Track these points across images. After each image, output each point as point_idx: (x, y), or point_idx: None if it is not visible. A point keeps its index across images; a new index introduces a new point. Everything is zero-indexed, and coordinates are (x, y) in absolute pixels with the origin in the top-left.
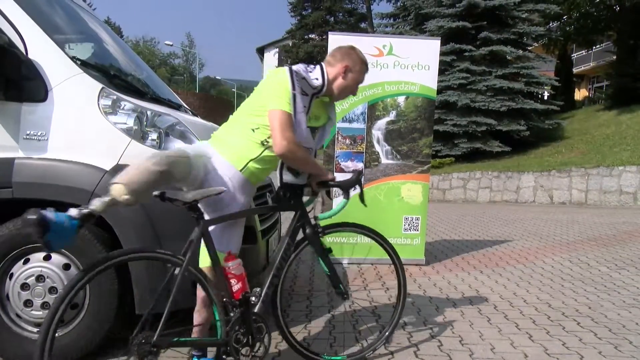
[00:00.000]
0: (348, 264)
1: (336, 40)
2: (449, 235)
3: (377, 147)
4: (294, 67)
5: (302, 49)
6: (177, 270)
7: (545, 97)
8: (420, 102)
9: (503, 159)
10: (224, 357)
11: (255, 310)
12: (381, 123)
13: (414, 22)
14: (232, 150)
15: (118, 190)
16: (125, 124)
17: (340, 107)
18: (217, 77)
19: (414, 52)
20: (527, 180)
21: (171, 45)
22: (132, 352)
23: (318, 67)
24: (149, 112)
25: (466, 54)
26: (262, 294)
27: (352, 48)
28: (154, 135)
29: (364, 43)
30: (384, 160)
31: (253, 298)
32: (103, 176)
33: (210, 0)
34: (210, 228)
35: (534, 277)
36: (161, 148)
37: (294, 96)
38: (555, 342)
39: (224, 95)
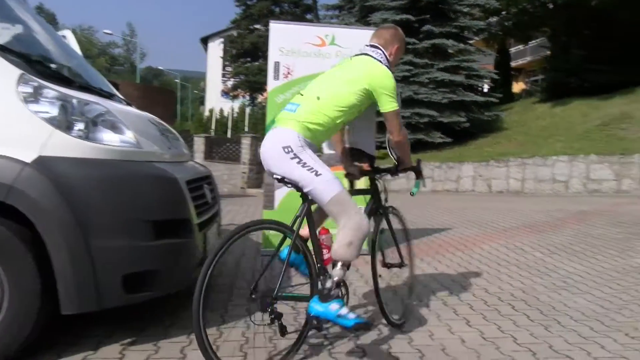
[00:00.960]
0: None
1: (278, 29)
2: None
3: None
4: (383, 59)
5: (247, 39)
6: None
7: (485, 90)
8: None
9: (445, 149)
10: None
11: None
12: None
13: (359, 14)
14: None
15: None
16: (48, 112)
17: (283, 97)
18: (160, 68)
19: (356, 42)
20: (467, 170)
21: (110, 34)
22: (256, 303)
23: (379, 51)
24: (74, 101)
25: (410, 46)
26: None
27: (396, 28)
28: (80, 125)
29: (307, 32)
30: (326, 150)
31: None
32: (22, 169)
33: None
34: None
35: (472, 263)
36: (89, 138)
37: None
38: (491, 326)
39: (167, 85)
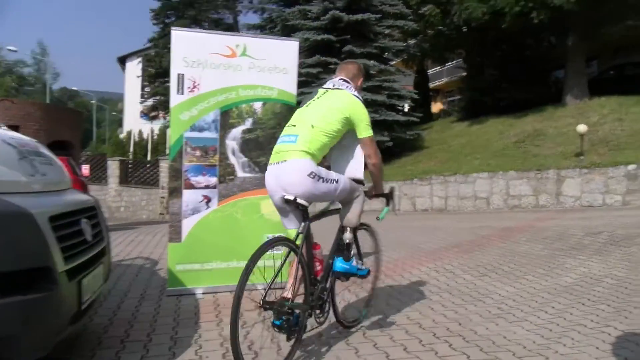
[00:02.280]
0: (203, 294)
1: (181, 38)
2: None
3: (233, 159)
4: (355, 92)
5: (165, 58)
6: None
7: (406, 110)
8: (279, 109)
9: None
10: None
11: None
12: (236, 132)
13: (280, 34)
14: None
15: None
16: None
17: (189, 114)
18: (75, 89)
19: (271, 54)
20: None
21: (15, 51)
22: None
23: (350, 85)
24: None
25: (331, 66)
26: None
27: (358, 63)
28: None
29: (214, 42)
30: (240, 173)
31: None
32: None
33: (68, 6)
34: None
35: (402, 292)
36: None
37: None
38: None
39: (83, 107)
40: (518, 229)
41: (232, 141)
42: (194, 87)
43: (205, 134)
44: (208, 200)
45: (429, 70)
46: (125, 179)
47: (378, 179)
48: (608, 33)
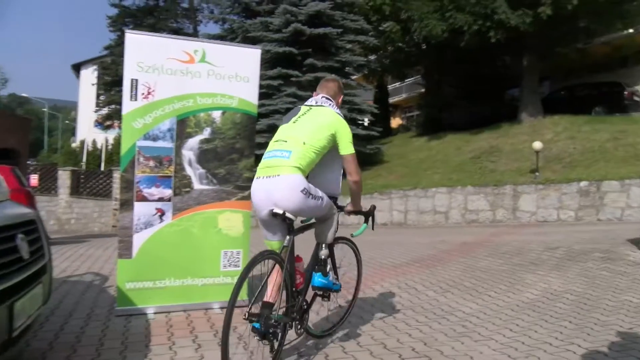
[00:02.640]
0: (154, 313)
1: (135, 41)
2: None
3: (189, 170)
4: (337, 110)
5: (122, 66)
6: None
7: (366, 124)
8: (239, 119)
9: None
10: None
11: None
12: (193, 142)
13: None
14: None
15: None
16: None
17: (142, 121)
18: (26, 95)
19: (231, 61)
20: None
21: None
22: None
23: (332, 102)
24: None
25: (293, 79)
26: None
27: (338, 80)
28: None
29: (171, 46)
30: (197, 185)
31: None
32: None
33: (20, 9)
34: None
35: (365, 310)
36: None
37: None
38: None
39: (34, 115)
40: (477, 243)
41: (189, 151)
42: (149, 93)
43: (160, 143)
44: (162, 213)
45: (388, 86)
46: (76, 190)
47: (357, 196)
48: (560, 54)
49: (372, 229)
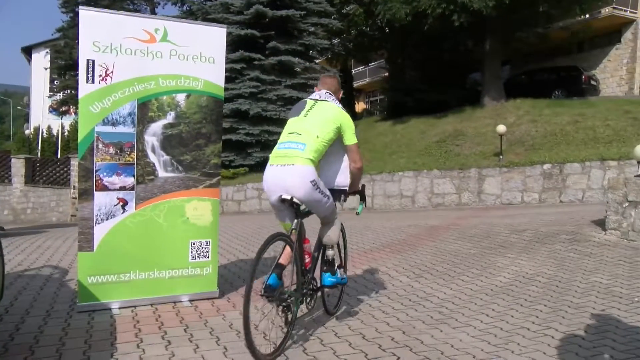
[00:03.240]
0: (119, 308)
1: (90, 18)
2: (246, 253)
3: (152, 157)
4: (338, 104)
5: (76, 49)
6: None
7: None
8: (205, 102)
9: None
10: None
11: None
12: (156, 127)
13: None
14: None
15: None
16: None
17: (100, 105)
18: None
19: (195, 41)
20: None
21: None
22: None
23: (334, 97)
24: None
25: (256, 62)
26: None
27: (337, 76)
28: None
29: (129, 25)
30: (161, 173)
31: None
32: None
33: None
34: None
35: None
36: None
37: None
38: None
39: None
40: (445, 227)
41: (152, 137)
42: (107, 75)
43: (120, 129)
44: (124, 203)
45: (352, 70)
46: (32, 179)
47: (358, 179)
48: (521, 38)
49: (365, 205)
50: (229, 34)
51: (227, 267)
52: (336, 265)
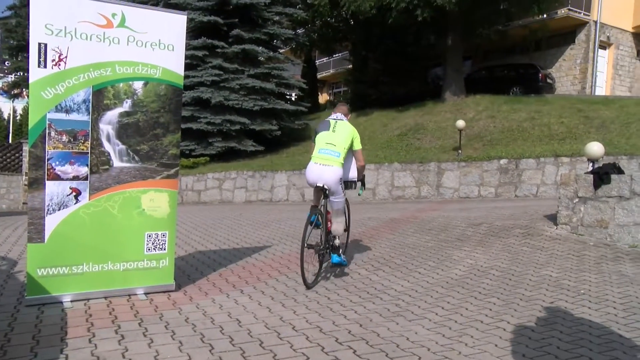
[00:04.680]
0: (71, 301)
1: (42, 0)
2: (205, 244)
3: (107, 146)
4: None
5: (28, 29)
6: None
7: (294, 99)
8: (163, 90)
9: (257, 158)
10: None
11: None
12: (112, 115)
13: None
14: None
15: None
16: None
17: (53, 91)
18: None
19: (154, 27)
20: (281, 179)
21: None
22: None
23: (347, 119)
24: None
25: (219, 50)
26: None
27: (347, 104)
28: None
29: (85, 8)
30: (117, 162)
31: None
32: None
33: None
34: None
35: (298, 291)
36: None
37: None
38: None
39: None
40: (404, 220)
41: (107, 125)
42: (60, 60)
43: (74, 116)
44: (77, 193)
45: (316, 61)
46: None
47: (362, 171)
48: (482, 35)
49: (364, 189)
50: (191, 20)
51: (185, 259)
52: (340, 250)
